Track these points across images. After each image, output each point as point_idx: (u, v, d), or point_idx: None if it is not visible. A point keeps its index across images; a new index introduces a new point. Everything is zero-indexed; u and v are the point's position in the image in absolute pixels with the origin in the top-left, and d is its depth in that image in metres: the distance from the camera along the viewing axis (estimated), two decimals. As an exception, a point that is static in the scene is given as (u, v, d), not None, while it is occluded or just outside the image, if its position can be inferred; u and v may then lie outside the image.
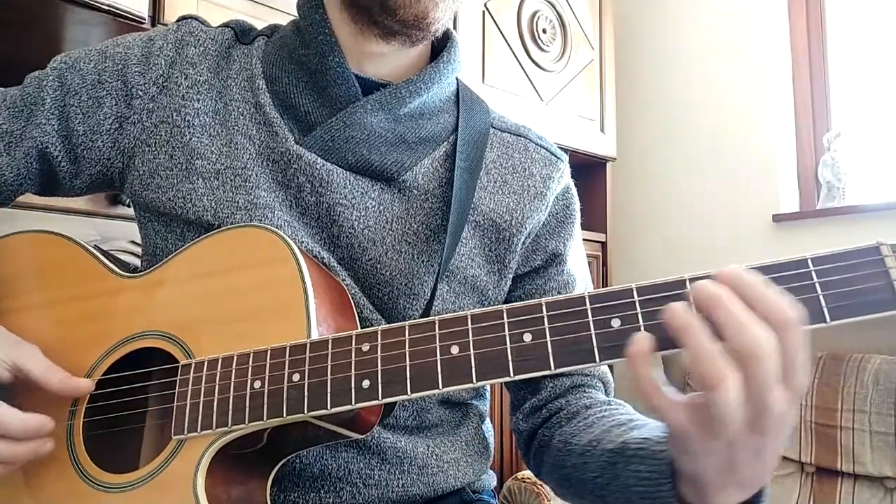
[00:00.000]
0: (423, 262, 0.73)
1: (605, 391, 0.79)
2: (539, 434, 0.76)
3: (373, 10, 0.68)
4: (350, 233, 0.71)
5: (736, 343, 0.43)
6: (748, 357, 0.43)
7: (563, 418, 0.74)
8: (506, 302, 0.80)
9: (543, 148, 0.82)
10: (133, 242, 1.37)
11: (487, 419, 0.85)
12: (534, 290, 0.80)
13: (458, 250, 0.74)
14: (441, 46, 0.79)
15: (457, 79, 0.82)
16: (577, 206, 0.83)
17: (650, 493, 0.55)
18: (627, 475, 0.57)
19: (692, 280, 0.47)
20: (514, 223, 0.76)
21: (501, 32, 2.14)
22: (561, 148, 0.85)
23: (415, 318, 0.71)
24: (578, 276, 0.82)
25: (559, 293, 0.79)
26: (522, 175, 0.79)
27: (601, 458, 0.62)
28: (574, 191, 0.84)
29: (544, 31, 2.24)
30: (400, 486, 0.72)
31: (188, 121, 0.73)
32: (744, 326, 0.43)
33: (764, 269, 0.47)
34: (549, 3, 2.28)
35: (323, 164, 0.71)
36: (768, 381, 0.43)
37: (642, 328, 0.47)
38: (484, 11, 2.09)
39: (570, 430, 0.71)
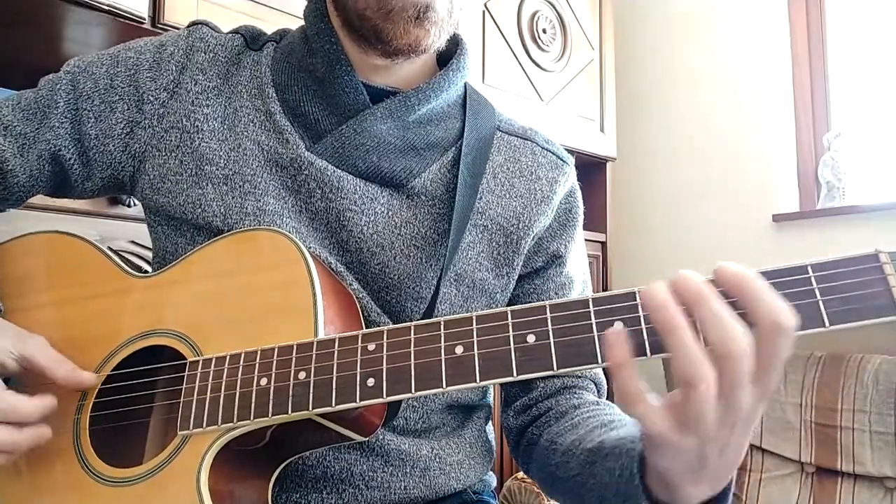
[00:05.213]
0: (431, 265, 0.73)
1: (598, 392, 0.80)
2: (528, 432, 0.77)
3: (369, 38, 0.70)
4: (359, 238, 0.71)
5: (714, 339, 0.44)
6: (724, 355, 0.43)
7: (551, 418, 0.75)
8: (508, 303, 0.81)
9: (550, 152, 0.82)
10: (133, 242, 1.36)
11: (490, 422, 0.85)
12: (531, 290, 0.80)
13: (466, 254, 0.74)
14: (450, 50, 0.80)
15: (465, 82, 0.82)
16: (580, 208, 0.84)
17: (622, 489, 0.55)
18: (603, 472, 0.59)
19: None
20: (521, 226, 0.77)
21: (501, 32, 2.14)
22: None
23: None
24: (577, 277, 0.83)
25: (556, 294, 0.80)
26: (529, 179, 0.79)
27: (581, 456, 0.64)
28: (578, 194, 0.84)
29: (544, 31, 2.24)
30: (402, 487, 0.72)
31: (197, 126, 0.74)
32: (724, 323, 0.43)
33: (765, 275, 0.47)
34: (549, 3, 2.28)
35: (334, 171, 0.71)
36: (741, 379, 0.44)
37: (644, 331, 0.48)
38: (484, 11, 2.09)
39: (556, 429, 0.72)
